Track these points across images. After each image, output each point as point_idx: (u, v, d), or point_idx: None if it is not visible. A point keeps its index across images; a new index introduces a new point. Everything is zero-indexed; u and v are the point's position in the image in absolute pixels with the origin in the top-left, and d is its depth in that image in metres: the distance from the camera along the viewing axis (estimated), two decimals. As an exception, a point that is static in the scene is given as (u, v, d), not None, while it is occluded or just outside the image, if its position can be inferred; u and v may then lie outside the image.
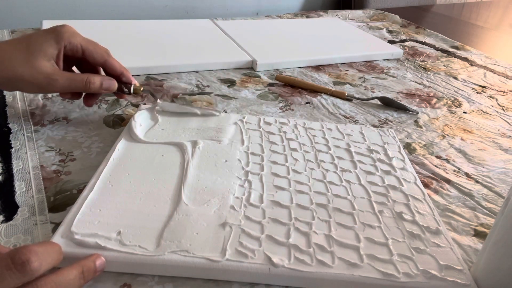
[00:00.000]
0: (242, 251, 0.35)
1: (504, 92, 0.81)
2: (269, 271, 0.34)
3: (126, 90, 0.54)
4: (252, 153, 0.50)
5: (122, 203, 0.40)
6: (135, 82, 0.54)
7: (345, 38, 1.00)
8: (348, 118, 0.65)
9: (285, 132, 0.55)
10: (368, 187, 0.46)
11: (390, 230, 0.40)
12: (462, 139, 0.63)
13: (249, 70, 0.79)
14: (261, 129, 0.55)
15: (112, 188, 0.41)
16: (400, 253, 0.38)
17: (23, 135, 0.52)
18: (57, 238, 0.35)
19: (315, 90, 0.73)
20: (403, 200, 0.45)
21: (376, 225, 0.41)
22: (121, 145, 0.48)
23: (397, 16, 1.23)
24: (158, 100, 0.56)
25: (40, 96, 0.61)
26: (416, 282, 0.35)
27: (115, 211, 0.38)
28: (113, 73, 0.52)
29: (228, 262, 0.34)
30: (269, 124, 0.57)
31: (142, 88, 0.55)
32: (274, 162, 0.49)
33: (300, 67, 0.83)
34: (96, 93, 0.52)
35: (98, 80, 0.50)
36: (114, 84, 0.51)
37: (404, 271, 0.36)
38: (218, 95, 0.68)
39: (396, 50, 0.94)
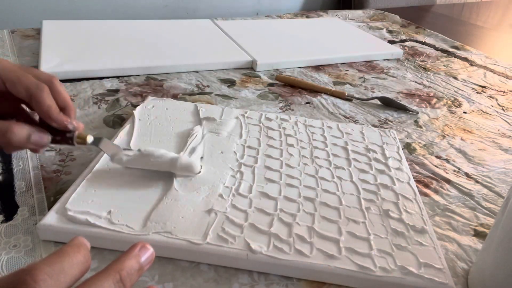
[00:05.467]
0: (223, 236, 0.37)
1: (504, 92, 0.81)
2: (247, 257, 0.36)
3: (69, 138, 0.39)
4: (249, 146, 0.51)
5: (117, 185, 0.42)
6: (77, 128, 0.39)
7: (345, 38, 1.00)
8: (348, 118, 0.65)
9: (284, 128, 0.56)
10: (359, 185, 0.46)
11: (374, 226, 0.41)
12: (462, 139, 0.63)
13: (249, 70, 0.79)
14: (261, 124, 0.56)
15: (110, 171, 0.44)
16: (380, 248, 0.38)
17: (23, 135, 0.52)
18: (52, 214, 0.37)
19: (315, 90, 0.73)
20: (392, 198, 0.45)
21: (361, 220, 0.41)
22: (124, 132, 0.50)
23: (397, 16, 1.23)
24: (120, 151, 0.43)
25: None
26: (392, 277, 0.35)
27: (108, 192, 0.41)
28: (39, 113, 0.38)
29: (208, 246, 0.36)
30: (269, 120, 0.57)
31: (88, 137, 0.40)
32: (269, 156, 0.49)
33: (300, 67, 0.83)
34: (23, 147, 0.38)
35: (24, 132, 0.36)
36: (46, 139, 0.38)
37: (381, 265, 0.36)
38: (218, 95, 0.68)
39: (396, 50, 0.94)
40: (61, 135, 0.39)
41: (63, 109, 0.39)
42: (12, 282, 0.19)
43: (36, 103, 0.37)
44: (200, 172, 0.45)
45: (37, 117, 0.40)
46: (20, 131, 0.36)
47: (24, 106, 0.40)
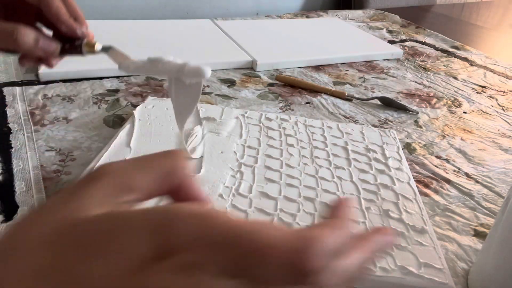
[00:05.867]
0: None
1: (504, 92, 0.81)
2: None
3: (78, 46, 0.39)
4: (249, 146, 0.51)
5: None
6: (86, 35, 0.39)
7: (345, 38, 1.00)
8: (348, 118, 0.65)
9: (284, 128, 0.56)
10: (359, 185, 0.47)
11: (374, 226, 0.41)
12: (462, 139, 0.63)
13: (249, 70, 0.79)
14: (261, 124, 0.56)
15: None
16: None
17: (23, 135, 0.52)
18: None
19: (315, 90, 0.73)
20: (392, 198, 0.45)
21: (361, 220, 0.41)
22: (124, 132, 0.50)
23: (397, 16, 1.23)
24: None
25: (40, 96, 0.61)
26: (392, 277, 0.35)
27: None
28: (48, 16, 0.37)
29: None
30: (269, 120, 0.58)
31: (97, 45, 0.39)
32: (269, 156, 0.49)
33: (300, 67, 0.83)
34: (31, 52, 0.37)
35: (31, 34, 0.35)
36: (54, 45, 0.38)
37: (381, 265, 0.36)
38: (218, 95, 0.68)
39: (396, 50, 0.94)
40: (70, 44, 0.39)
41: (73, 19, 0.38)
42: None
43: (45, 5, 0.36)
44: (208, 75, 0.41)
45: (50, 34, 0.39)
46: (28, 32, 0.35)
47: (39, 25, 0.40)
